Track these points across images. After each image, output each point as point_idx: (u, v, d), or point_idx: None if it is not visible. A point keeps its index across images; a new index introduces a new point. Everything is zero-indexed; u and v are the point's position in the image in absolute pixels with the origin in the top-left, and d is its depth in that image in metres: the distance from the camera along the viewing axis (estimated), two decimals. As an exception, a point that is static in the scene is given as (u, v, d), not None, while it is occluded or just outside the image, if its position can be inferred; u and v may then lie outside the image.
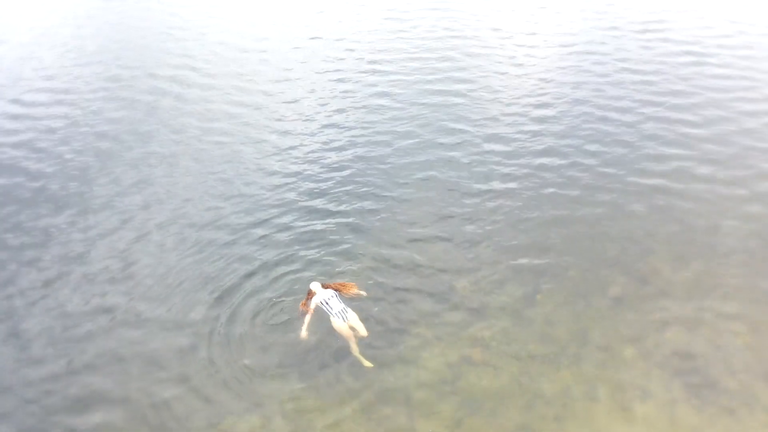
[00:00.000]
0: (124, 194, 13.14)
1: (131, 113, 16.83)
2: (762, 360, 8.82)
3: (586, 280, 10.27)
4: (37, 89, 18.52)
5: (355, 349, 9.01)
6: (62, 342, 9.59)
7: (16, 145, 15.27)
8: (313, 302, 9.27)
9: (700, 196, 12.32)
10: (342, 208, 12.38)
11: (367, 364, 8.93)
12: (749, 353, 8.93)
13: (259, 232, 11.72)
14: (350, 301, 9.51)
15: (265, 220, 12.05)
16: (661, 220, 11.66)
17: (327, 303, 9.18)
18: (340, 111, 16.40)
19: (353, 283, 9.75)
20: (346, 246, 11.25)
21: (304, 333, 9.15)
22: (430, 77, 18.24)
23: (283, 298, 10.06)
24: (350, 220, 12.00)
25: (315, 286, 9.42)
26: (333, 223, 11.90)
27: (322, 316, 9.21)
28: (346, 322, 9.04)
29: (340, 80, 18.30)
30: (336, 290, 9.43)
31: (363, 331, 9.09)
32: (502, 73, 18.30)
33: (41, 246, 11.62)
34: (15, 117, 16.80)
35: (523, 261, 10.75)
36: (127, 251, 11.40)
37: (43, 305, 10.26)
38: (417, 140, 14.80)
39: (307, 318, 9.18)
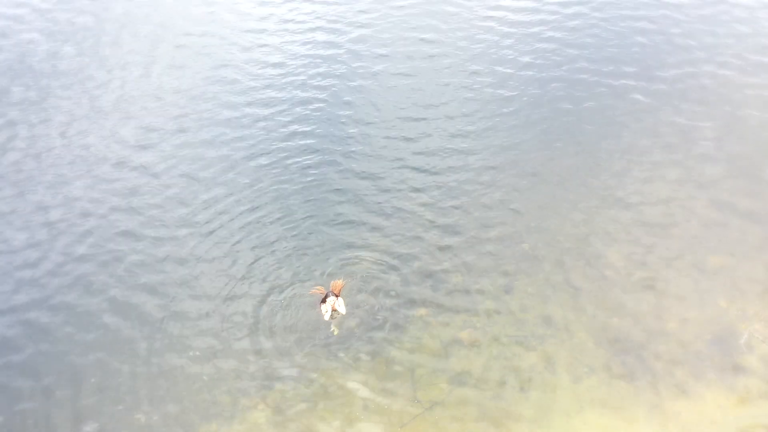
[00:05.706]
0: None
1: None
2: (682, 346, 11.52)
3: (554, 273, 12.73)
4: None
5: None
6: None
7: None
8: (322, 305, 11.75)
9: (654, 191, 14.49)
10: (343, 198, 14.57)
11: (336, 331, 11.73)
12: (673, 340, 11.62)
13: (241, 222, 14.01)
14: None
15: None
16: (615, 215, 13.94)
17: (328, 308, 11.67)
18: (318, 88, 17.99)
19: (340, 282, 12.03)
20: (350, 239, 13.58)
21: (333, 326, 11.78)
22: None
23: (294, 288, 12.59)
24: (354, 214, 14.27)
25: (331, 298, 11.60)
26: (337, 213, 14.15)
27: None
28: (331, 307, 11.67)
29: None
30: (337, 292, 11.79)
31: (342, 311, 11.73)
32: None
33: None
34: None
35: (505, 254, 13.15)
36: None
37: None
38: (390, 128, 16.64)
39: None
